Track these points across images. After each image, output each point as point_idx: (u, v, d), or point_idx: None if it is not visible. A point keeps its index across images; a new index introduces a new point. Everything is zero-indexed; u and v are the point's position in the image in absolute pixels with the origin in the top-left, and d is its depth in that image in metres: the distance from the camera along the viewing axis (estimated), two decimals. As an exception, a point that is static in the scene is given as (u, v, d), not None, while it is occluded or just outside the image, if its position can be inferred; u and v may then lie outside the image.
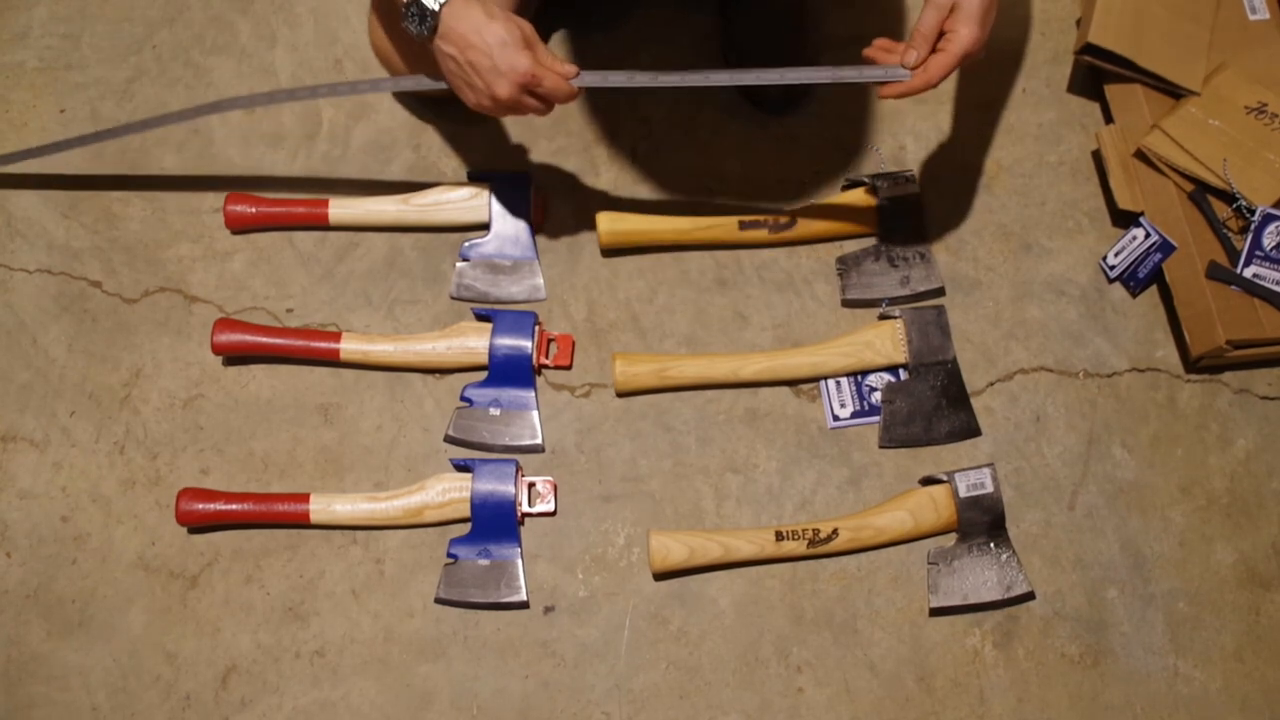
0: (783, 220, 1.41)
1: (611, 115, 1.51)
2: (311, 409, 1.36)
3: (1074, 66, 1.55)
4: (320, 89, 1.25)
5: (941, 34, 1.11)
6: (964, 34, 1.08)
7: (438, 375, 1.37)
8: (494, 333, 1.34)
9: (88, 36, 1.57)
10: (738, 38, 1.48)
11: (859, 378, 1.37)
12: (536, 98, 1.10)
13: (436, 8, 1.05)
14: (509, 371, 1.34)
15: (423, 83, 1.19)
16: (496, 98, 1.08)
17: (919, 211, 1.42)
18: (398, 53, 1.33)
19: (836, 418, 1.35)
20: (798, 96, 1.49)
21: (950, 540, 1.29)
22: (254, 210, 1.42)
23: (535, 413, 1.34)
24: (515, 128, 1.50)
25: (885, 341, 1.35)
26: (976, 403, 1.36)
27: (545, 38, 1.54)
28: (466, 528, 1.28)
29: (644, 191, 1.47)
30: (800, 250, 1.44)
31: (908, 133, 1.51)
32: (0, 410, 1.36)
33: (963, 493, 1.27)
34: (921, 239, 1.42)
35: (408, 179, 1.47)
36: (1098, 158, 1.47)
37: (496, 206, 1.40)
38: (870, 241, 1.43)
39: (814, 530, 1.26)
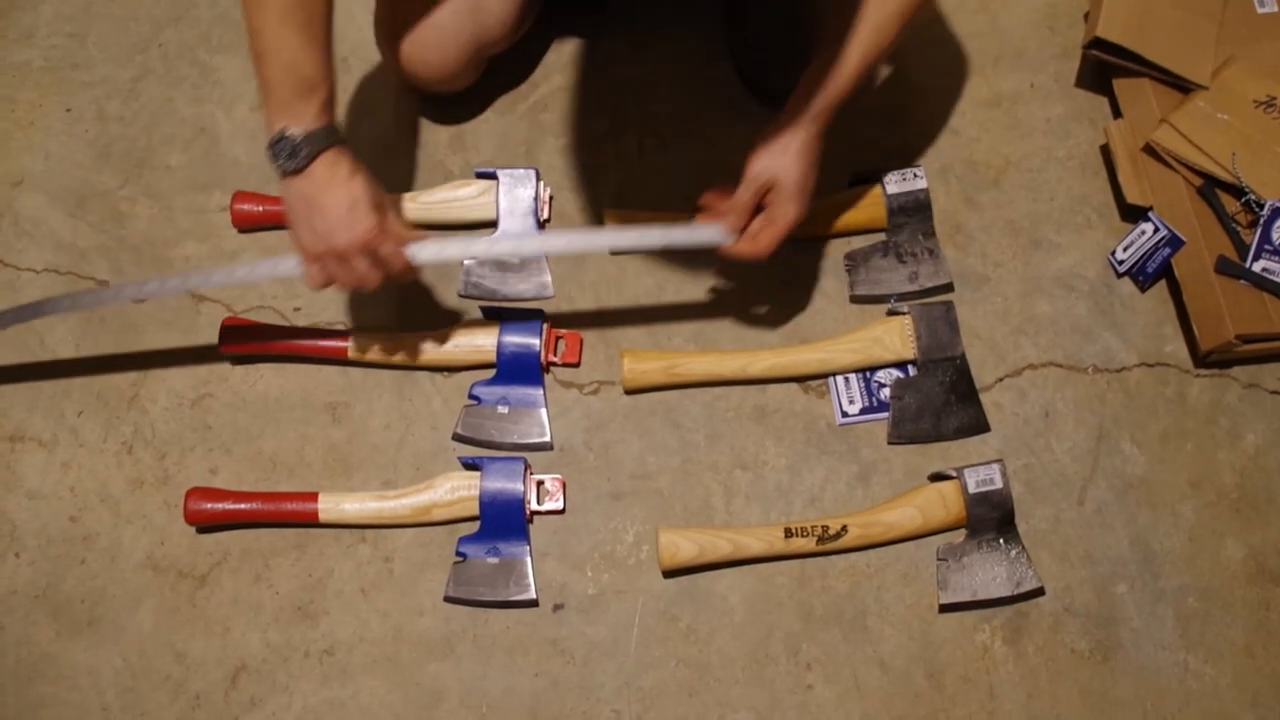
0: (790, 216, 1.41)
1: (618, 111, 1.51)
2: (319, 408, 1.36)
3: (1082, 61, 1.55)
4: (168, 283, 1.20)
5: (763, 206, 1.18)
6: (786, 211, 1.16)
7: (446, 374, 1.37)
8: (502, 331, 1.34)
9: (94, 35, 1.57)
10: (743, 37, 1.48)
11: (867, 374, 1.37)
12: (373, 260, 1.11)
13: (308, 149, 1.05)
14: (517, 369, 1.33)
15: (279, 267, 1.17)
16: (333, 244, 1.08)
17: (927, 207, 1.41)
18: (399, 43, 1.34)
19: (845, 414, 1.35)
20: None
21: (959, 536, 1.29)
22: (261, 209, 1.41)
23: (544, 410, 1.34)
24: (522, 125, 1.50)
25: (894, 338, 1.35)
26: (985, 398, 1.36)
27: (549, 34, 1.54)
28: (475, 526, 1.28)
29: (651, 188, 1.46)
30: (808, 246, 1.44)
31: (915, 129, 1.51)
32: (8, 410, 1.36)
33: (972, 489, 1.26)
34: (930, 235, 1.42)
35: (415, 176, 1.47)
36: (1106, 152, 1.47)
37: (504, 204, 1.40)
38: (878, 237, 1.43)
39: (823, 527, 1.26)
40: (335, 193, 1.07)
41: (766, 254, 1.18)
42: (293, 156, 1.05)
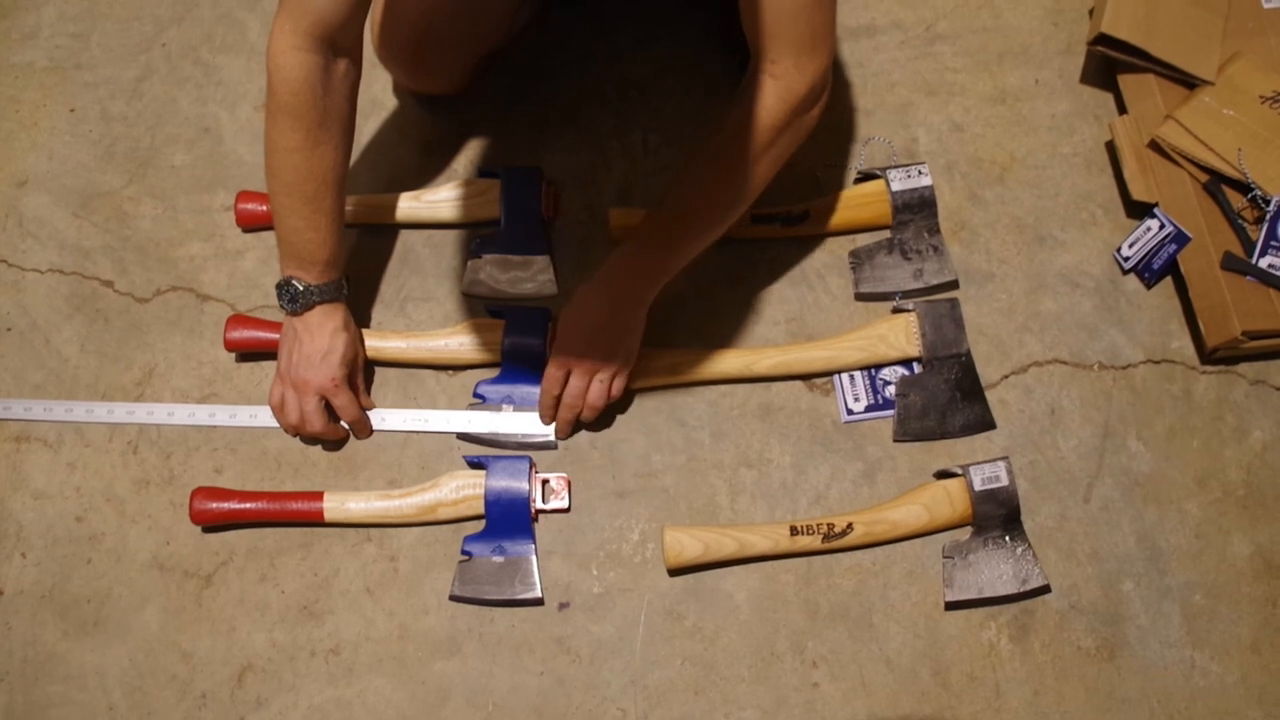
0: (795, 213, 1.41)
1: (622, 109, 1.51)
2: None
3: (1087, 57, 1.54)
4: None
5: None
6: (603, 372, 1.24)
7: (450, 372, 1.37)
8: (507, 329, 1.33)
9: (97, 35, 1.57)
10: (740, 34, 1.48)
11: (873, 371, 1.36)
12: (323, 405, 1.26)
13: (305, 300, 1.22)
14: (522, 367, 1.33)
15: (236, 416, 1.35)
16: (298, 377, 1.24)
17: (932, 204, 1.41)
18: (395, 48, 1.34)
19: (850, 412, 1.35)
20: None
21: (965, 534, 1.29)
22: (265, 208, 1.41)
23: (548, 409, 1.34)
24: (526, 122, 1.50)
25: (899, 335, 1.35)
26: (991, 396, 1.36)
27: (553, 31, 1.54)
28: (481, 525, 1.28)
29: (655, 185, 1.46)
30: (813, 243, 1.44)
31: (920, 125, 1.51)
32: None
33: (977, 486, 1.26)
34: (934, 231, 1.41)
35: (418, 175, 1.47)
36: (1111, 149, 1.46)
37: (508, 202, 1.40)
38: (883, 234, 1.43)
39: (828, 525, 1.26)
40: (319, 339, 1.23)
41: (591, 416, 1.28)
42: (293, 301, 1.22)
